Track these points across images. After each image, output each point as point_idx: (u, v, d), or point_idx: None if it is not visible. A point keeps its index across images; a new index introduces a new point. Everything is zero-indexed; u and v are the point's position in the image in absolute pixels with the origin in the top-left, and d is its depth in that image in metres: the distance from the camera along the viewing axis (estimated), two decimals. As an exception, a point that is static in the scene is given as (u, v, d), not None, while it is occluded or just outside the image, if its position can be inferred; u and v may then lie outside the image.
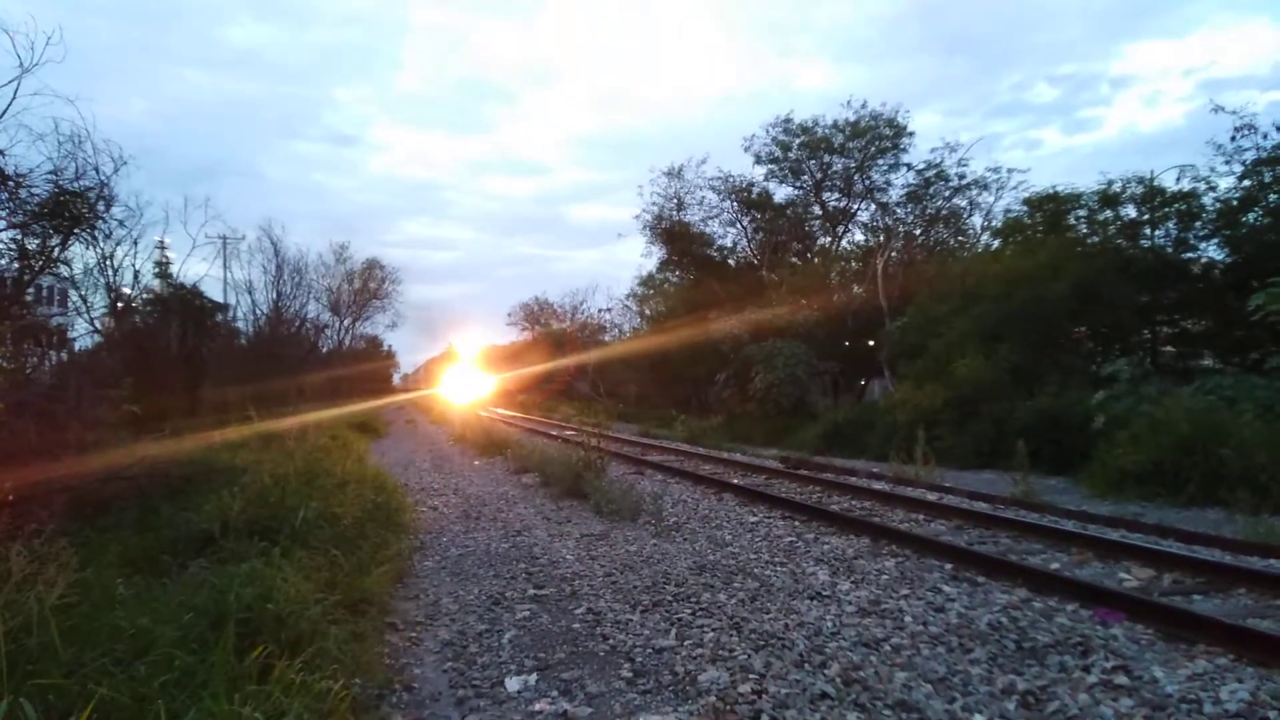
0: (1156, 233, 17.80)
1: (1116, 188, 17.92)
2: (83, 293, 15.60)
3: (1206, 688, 3.84)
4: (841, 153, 27.95)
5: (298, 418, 14.54)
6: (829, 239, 31.16)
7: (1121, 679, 3.96)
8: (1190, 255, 17.43)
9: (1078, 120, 74.73)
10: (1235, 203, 16.24)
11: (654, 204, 32.46)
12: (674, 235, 32.46)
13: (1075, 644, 4.45)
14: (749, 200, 30.99)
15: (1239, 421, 10.03)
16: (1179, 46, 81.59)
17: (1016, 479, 10.10)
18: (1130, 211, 18.13)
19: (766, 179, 30.15)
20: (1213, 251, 17.20)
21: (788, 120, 28.26)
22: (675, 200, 32.14)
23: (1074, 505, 9.29)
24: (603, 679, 4.13)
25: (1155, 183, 17.41)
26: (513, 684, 4.08)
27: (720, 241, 33.14)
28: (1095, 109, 73.60)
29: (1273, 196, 15.58)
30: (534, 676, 4.17)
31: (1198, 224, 17.12)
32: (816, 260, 30.42)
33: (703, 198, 31.71)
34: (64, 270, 13.83)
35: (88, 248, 13.70)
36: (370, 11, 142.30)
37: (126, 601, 4.00)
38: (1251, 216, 15.98)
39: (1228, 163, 16.35)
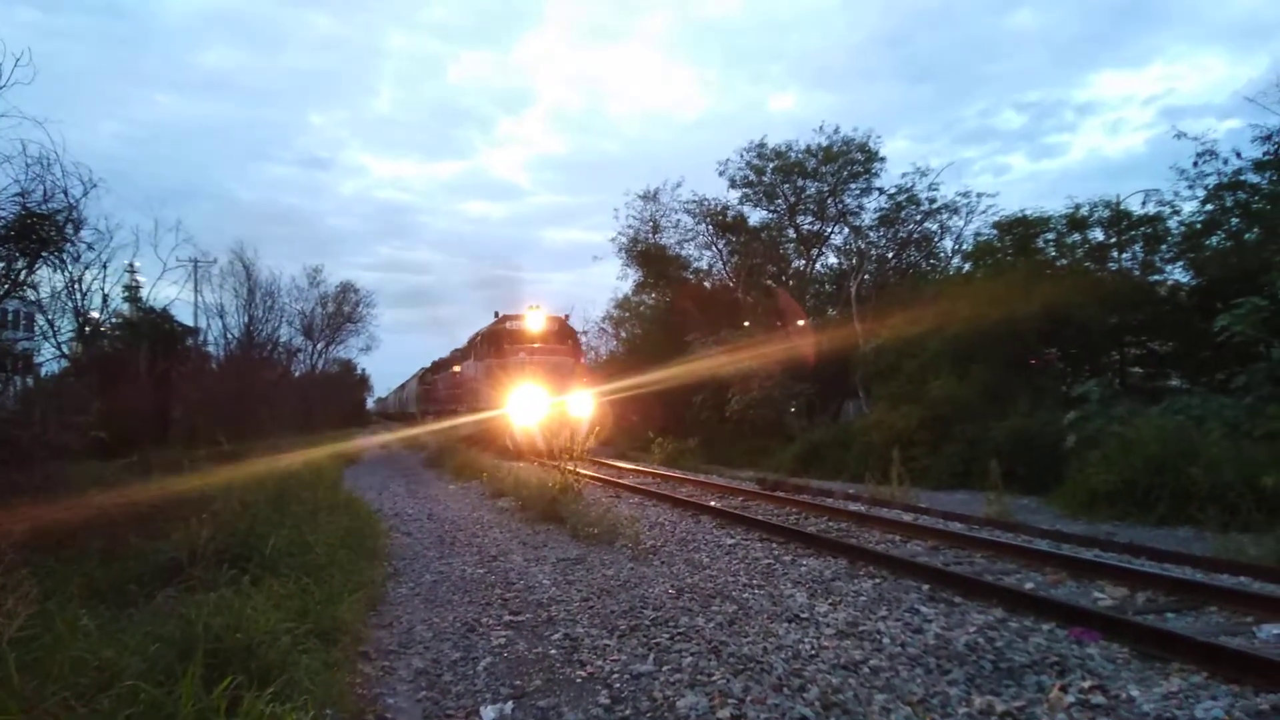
0: (1123, 255, 18.13)
1: (1084, 211, 18.23)
2: (50, 317, 15.28)
3: (1182, 706, 3.86)
4: (815, 177, 28.16)
5: (271, 456, 14.20)
6: (803, 262, 31.38)
7: (1099, 698, 3.97)
8: (1157, 278, 17.74)
9: (1044, 146, 76.48)
10: (1199, 226, 16.57)
11: (629, 226, 32.50)
12: (650, 258, 32.47)
13: (1052, 664, 4.46)
14: (724, 223, 31.09)
15: (1207, 440, 10.17)
16: (1139, 76, 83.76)
17: (990, 499, 10.16)
18: (1098, 235, 18.45)
19: (741, 202, 30.29)
20: (1178, 274, 17.53)
21: (761, 145, 28.49)
22: (651, 223, 32.19)
23: (1047, 525, 9.36)
24: (580, 706, 4.07)
25: (1121, 206, 17.75)
26: (488, 713, 4.01)
27: (696, 264, 33.21)
28: (1060, 135, 75.33)
29: (1234, 220, 15.94)
30: (510, 705, 4.10)
31: (1163, 247, 17.44)
32: (791, 283, 30.59)
33: (678, 220, 31.74)
34: (30, 294, 13.57)
35: (55, 271, 13.43)
36: (345, 37, 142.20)
37: (90, 633, 3.89)
38: (1214, 239, 16.30)
39: (1190, 187, 16.75)
